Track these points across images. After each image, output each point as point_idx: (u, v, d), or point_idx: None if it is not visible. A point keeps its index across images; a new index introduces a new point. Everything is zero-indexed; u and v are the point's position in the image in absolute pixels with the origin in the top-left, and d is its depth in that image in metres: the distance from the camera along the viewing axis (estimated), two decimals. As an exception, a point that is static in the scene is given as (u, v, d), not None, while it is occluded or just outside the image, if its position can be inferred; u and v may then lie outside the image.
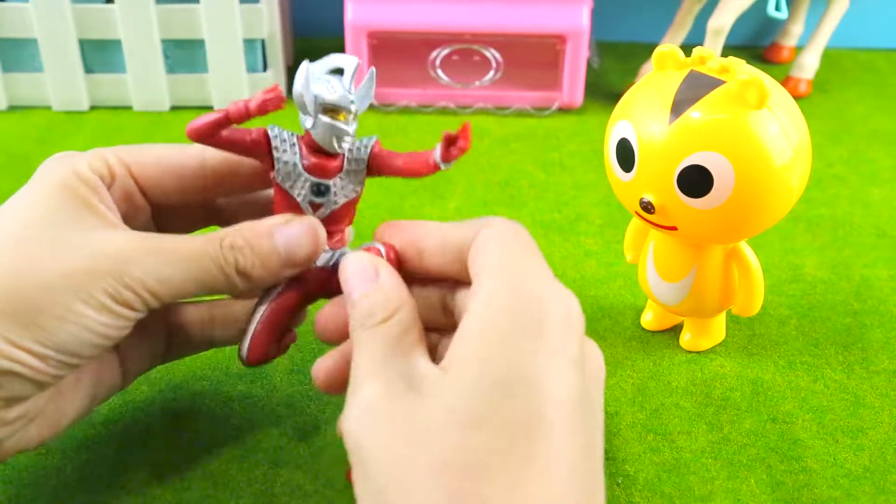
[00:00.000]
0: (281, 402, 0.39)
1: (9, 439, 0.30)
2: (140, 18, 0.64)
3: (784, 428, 0.39)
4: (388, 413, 0.26)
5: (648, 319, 0.45)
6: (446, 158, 0.31)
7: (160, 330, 0.36)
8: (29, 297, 0.28)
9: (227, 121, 0.31)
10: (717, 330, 0.43)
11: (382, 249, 0.31)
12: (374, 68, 0.33)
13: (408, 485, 0.24)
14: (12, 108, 0.67)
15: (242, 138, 0.31)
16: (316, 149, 0.32)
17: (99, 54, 0.66)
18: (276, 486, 0.35)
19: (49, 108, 0.67)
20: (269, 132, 0.32)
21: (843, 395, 0.41)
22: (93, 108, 0.68)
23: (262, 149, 0.32)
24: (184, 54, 0.66)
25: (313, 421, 0.38)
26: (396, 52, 0.69)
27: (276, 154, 0.32)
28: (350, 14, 0.65)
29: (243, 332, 0.33)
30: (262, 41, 0.67)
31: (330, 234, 0.33)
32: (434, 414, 0.25)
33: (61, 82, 0.66)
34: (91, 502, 0.34)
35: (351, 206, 0.33)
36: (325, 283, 0.33)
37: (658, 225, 0.38)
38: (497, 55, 0.69)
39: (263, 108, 0.30)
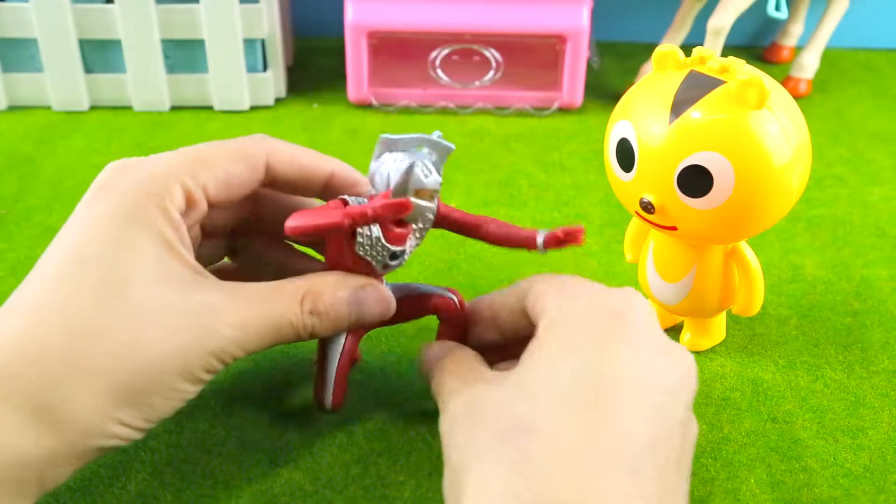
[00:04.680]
0: (281, 402, 0.39)
1: None
2: (140, 18, 0.64)
3: (784, 428, 0.39)
4: (462, 409, 0.30)
5: (648, 319, 0.45)
6: (548, 248, 0.34)
7: None
8: (142, 382, 0.29)
9: (348, 227, 0.31)
10: (717, 330, 0.43)
11: (455, 299, 0.36)
12: (452, 145, 0.33)
13: (473, 458, 0.27)
14: (12, 108, 0.67)
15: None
16: (397, 221, 0.33)
17: (99, 54, 0.66)
18: (276, 486, 0.35)
19: (49, 108, 0.67)
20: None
21: (843, 395, 0.41)
22: (93, 108, 0.68)
23: (346, 229, 0.32)
24: (184, 54, 0.66)
25: (313, 421, 0.38)
26: (396, 52, 0.69)
27: (359, 230, 0.33)
28: (350, 14, 0.65)
29: (319, 380, 0.36)
30: (262, 41, 0.67)
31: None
32: (496, 394, 0.29)
33: (61, 82, 0.66)
34: (91, 502, 0.34)
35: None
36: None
37: (658, 225, 0.38)
38: (497, 55, 0.69)
39: (385, 215, 0.31)
